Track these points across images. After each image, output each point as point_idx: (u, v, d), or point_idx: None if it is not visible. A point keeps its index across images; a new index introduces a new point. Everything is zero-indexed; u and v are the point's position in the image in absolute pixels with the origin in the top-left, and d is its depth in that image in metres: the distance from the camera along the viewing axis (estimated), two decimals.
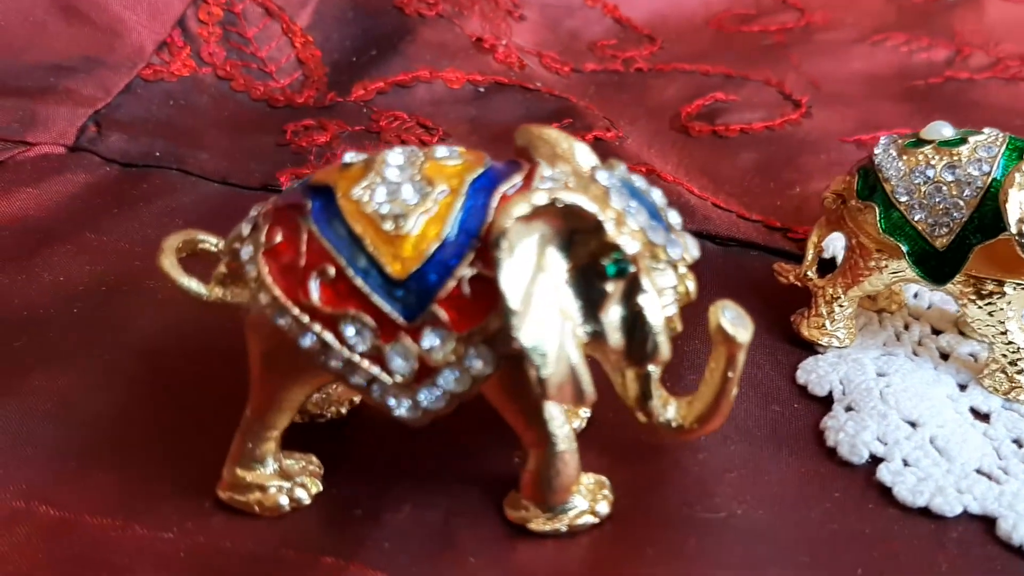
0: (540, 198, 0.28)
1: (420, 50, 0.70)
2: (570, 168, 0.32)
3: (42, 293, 0.46)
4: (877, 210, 0.40)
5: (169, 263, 0.33)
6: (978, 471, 0.36)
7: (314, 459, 0.35)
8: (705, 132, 0.67)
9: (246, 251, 0.31)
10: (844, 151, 0.65)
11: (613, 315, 0.30)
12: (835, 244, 0.48)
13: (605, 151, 0.62)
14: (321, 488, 0.34)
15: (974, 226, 0.38)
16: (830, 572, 0.32)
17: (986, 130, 0.40)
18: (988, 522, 0.34)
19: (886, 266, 0.41)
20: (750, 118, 0.69)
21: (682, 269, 0.32)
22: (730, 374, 0.32)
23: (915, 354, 0.43)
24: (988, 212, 0.38)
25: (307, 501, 0.34)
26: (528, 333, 0.28)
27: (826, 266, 0.47)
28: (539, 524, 0.33)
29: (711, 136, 0.67)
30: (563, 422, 0.32)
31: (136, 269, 0.48)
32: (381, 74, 0.67)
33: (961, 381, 0.41)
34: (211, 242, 0.34)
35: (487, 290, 0.29)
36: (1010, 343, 0.39)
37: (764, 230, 0.54)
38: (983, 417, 0.39)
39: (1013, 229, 0.37)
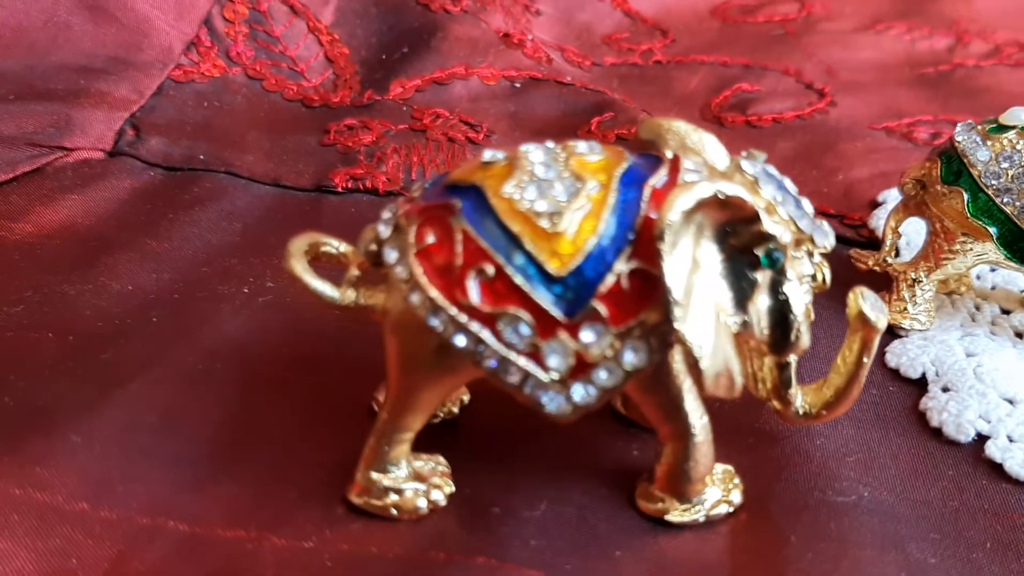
0: (704, 190, 0.28)
1: (452, 47, 0.69)
2: (701, 160, 0.32)
3: (113, 303, 0.44)
4: (965, 195, 0.41)
5: (301, 267, 0.32)
6: None
7: (441, 459, 0.35)
8: (739, 122, 0.68)
9: (391, 253, 0.31)
10: (876, 138, 0.66)
11: (761, 305, 0.31)
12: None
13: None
14: (453, 488, 0.34)
15: None
16: (963, 547, 0.33)
17: None
18: None
19: (971, 249, 0.42)
20: (780, 108, 0.70)
21: (817, 258, 0.32)
22: (865, 359, 0.32)
23: (993, 334, 0.44)
24: None
25: (443, 502, 0.34)
26: (691, 325, 0.29)
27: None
28: (677, 515, 0.33)
29: (745, 126, 0.68)
30: (702, 413, 0.33)
31: (205, 275, 0.47)
32: (417, 71, 0.67)
33: None
34: (333, 245, 0.34)
35: (644, 284, 0.29)
36: None
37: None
38: None
39: None
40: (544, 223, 0.29)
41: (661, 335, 0.29)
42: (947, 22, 0.89)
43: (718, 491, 0.34)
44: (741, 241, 0.30)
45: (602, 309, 0.29)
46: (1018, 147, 0.40)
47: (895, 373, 0.42)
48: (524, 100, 0.67)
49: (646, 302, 0.29)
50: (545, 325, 0.29)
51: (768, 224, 0.29)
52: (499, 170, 0.31)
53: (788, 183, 0.33)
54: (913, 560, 0.32)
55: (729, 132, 0.68)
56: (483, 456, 0.36)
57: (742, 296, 0.30)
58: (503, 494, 0.34)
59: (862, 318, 0.31)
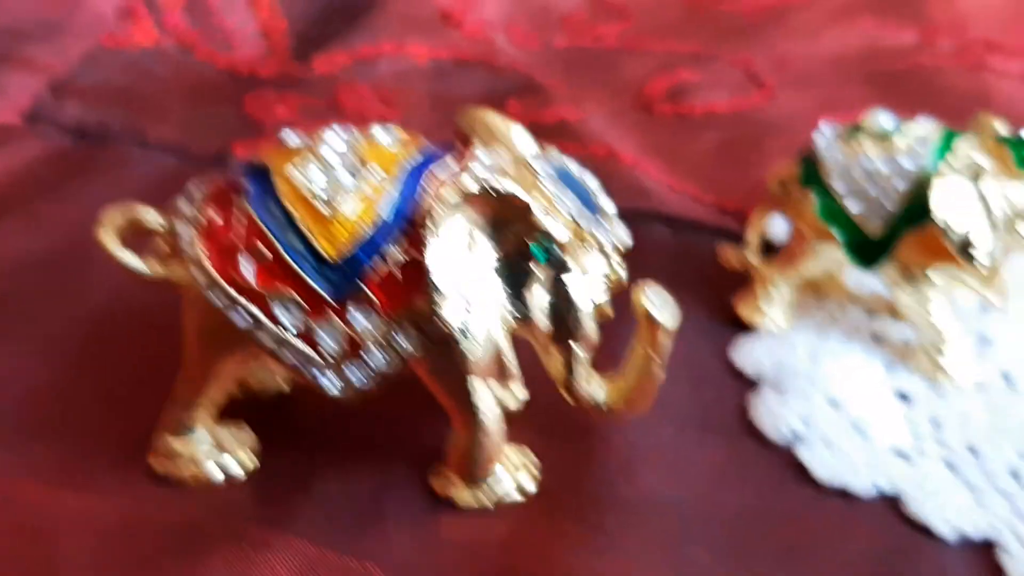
0: (470, 185, 0.29)
1: (387, 22, 0.70)
2: (507, 152, 0.33)
3: None
4: (815, 198, 0.41)
5: (109, 238, 0.33)
6: (894, 451, 0.37)
7: (248, 430, 0.36)
8: (668, 113, 0.67)
9: (184, 229, 0.32)
10: (807, 135, 0.65)
11: (540, 299, 0.31)
12: (776, 228, 0.49)
13: (567, 131, 0.62)
14: (256, 462, 0.35)
15: (905, 216, 0.39)
16: (745, 549, 0.33)
17: (921, 120, 0.41)
18: (900, 500, 0.35)
19: (822, 252, 0.42)
20: (716, 99, 0.69)
21: (614, 256, 0.32)
22: (653, 355, 0.32)
23: (848, 337, 0.44)
24: (918, 203, 0.39)
25: (239, 473, 0.35)
26: (452, 311, 0.29)
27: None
28: (464, 497, 0.34)
29: (673, 117, 0.67)
30: (488, 397, 0.33)
31: (89, 241, 0.48)
32: (346, 46, 0.67)
33: (889, 364, 0.42)
34: (149, 217, 0.35)
35: (418, 272, 0.30)
36: (934, 328, 0.40)
37: (717, 213, 0.55)
38: (906, 399, 0.40)
39: (939, 220, 0.38)
40: (322, 207, 0.30)
41: (432, 323, 0.30)
42: (920, 17, 0.87)
43: (510, 477, 0.34)
44: (517, 236, 0.30)
45: (371, 295, 0.30)
46: (870, 153, 0.40)
47: (737, 372, 0.42)
48: (449, 81, 0.67)
49: (418, 290, 0.30)
50: (316, 307, 0.30)
51: (541, 219, 0.30)
52: (291, 152, 0.32)
53: (590, 179, 0.33)
54: (686, 559, 0.32)
55: (657, 122, 0.67)
56: (297, 433, 0.37)
57: (518, 287, 0.31)
58: (301, 469, 0.35)
59: (645, 314, 0.32)
